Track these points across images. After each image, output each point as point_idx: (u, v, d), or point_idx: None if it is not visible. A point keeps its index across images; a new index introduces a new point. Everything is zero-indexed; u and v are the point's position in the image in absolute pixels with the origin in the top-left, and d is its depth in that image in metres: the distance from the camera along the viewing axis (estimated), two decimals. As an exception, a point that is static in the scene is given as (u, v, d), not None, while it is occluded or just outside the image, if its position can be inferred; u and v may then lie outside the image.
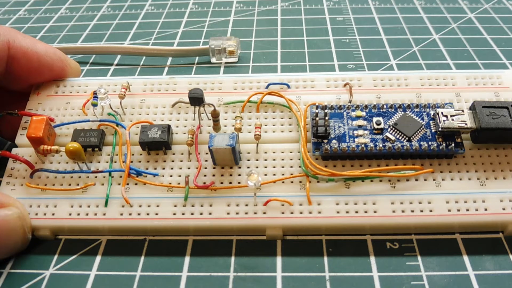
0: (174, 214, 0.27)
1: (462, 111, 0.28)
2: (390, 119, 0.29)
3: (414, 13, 0.51)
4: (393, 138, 0.28)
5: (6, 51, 0.30)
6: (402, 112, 0.29)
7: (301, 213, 0.27)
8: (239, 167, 0.29)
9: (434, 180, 0.28)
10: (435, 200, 0.27)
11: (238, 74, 0.39)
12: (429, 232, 0.27)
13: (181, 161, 0.30)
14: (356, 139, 0.28)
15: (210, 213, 0.27)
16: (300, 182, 0.28)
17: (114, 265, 0.27)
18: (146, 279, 0.26)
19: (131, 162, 0.30)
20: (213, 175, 0.29)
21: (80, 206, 0.28)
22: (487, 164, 0.28)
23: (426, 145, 0.27)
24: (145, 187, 0.29)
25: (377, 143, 0.28)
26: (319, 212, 0.27)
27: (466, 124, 0.27)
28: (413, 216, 0.26)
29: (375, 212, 0.27)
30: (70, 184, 0.29)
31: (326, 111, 0.29)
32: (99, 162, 0.30)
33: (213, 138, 0.28)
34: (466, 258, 0.26)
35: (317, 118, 0.28)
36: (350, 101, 0.31)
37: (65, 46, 0.45)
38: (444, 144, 0.27)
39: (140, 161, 0.30)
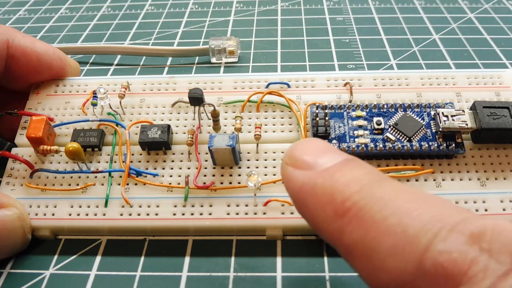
0: (174, 214, 0.27)
1: (463, 111, 0.28)
2: (391, 119, 0.29)
3: (414, 13, 0.51)
4: (393, 138, 0.28)
5: (5, 50, 0.30)
6: (403, 112, 0.29)
7: (301, 213, 0.27)
8: (239, 167, 0.29)
9: (434, 180, 0.28)
10: (435, 200, 0.27)
11: (238, 73, 0.39)
12: (429, 232, 0.27)
13: (181, 161, 0.30)
14: (356, 139, 0.28)
15: (210, 213, 0.27)
16: (300, 182, 0.28)
17: (114, 265, 0.27)
18: (146, 279, 0.26)
19: (131, 162, 0.30)
20: (213, 175, 0.29)
21: (80, 206, 0.28)
22: (488, 165, 0.28)
23: (427, 145, 0.27)
24: (145, 187, 0.29)
25: (377, 143, 0.28)
26: (319, 212, 0.27)
27: (466, 124, 0.27)
28: (413, 216, 0.26)
29: (375, 212, 0.27)
30: (70, 184, 0.29)
31: (326, 111, 0.29)
32: (99, 162, 0.30)
33: (213, 138, 0.28)
34: (466, 258, 0.26)
35: (317, 118, 0.28)
36: (350, 101, 0.31)
37: (65, 46, 0.45)
38: (445, 144, 0.27)
39: (140, 161, 0.30)
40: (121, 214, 0.28)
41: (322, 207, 0.18)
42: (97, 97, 0.31)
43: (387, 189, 0.17)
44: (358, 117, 0.29)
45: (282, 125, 0.31)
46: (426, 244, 0.15)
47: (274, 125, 0.31)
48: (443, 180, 0.28)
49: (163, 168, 0.29)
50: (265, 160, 0.29)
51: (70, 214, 0.28)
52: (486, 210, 0.26)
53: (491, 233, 0.14)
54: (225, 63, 0.43)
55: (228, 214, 0.27)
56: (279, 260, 0.27)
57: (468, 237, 0.14)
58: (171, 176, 0.29)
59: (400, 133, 0.28)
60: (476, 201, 0.27)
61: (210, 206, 0.28)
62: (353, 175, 0.18)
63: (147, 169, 0.29)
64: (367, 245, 0.16)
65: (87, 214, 0.28)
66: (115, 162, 0.30)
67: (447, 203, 0.17)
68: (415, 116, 0.29)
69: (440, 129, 0.28)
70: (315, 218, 0.18)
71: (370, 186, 0.17)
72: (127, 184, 0.29)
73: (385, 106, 0.29)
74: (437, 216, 0.15)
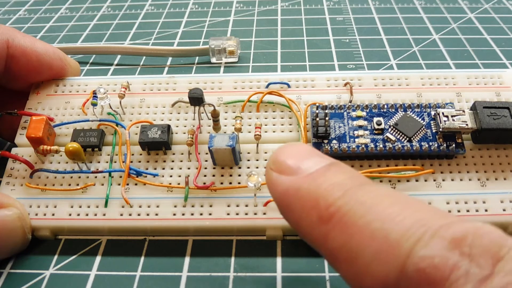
0: (174, 214, 0.27)
1: (463, 111, 0.28)
2: (391, 119, 0.29)
3: (414, 13, 0.51)
4: (393, 138, 0.28)
5: (5, 50, 0.30)
6: (403, 112, 0.29)
7: (301, 213, 0.27)
8: (239, 167, 0.29)
9: (434, 180, 0.28)
10: (435, 201, 0.27)
11: (238, 73, 0.39)
12: (429, 232, 0.27)
13: (181, 161, 0.30)
14: (356, 140, 0.28)
15: (210, 214, 0.27)
16: (300, 182, 0.28)
17: (114, 265, 0.27)
18: (146, 279, 0.26)
19: (131, 162, 0.30)
20: (213, 175, 0.29)
21: (80, 207, 0.28)
22: (488, 165, 0.28)
23: (427, 145, 0.27)
24: (145, 188, 0.29)
25: (377, 144, 0.28)
26: (320, 212, 0.27)
27: (467, 124, 0.27)
28: (413, 217, 0.26)
29: (375, 212, 0.27)
30: (70, 184, 0.29)
31: (326, 111, 0.29)
32: (99, 162, 0.30)
33: (213, 139, 0.28)
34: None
35: (317, 119, 0.28)
36: (350, 101, 0.31)
37: (65, 46, 0.45)
38: (445, 145, 0.27)
39: (140, 161, 0.30)
40: (121, 214, 0.28)
41: (306, 213, 0.18)
42: (97, 97, 0.31)
43: (370, 193, 0.18)
44: (358, 117, 0.29)
45: (282, 125, 0.31)
46: (409, 249, 0.15)
47: (274, 125, 0.31)
48: (443, 180, 0.28)
49: (163, 168, 0.29)
50: (265, 160, 0.29)
51: (70, 214, 0.28)
52: (486, 210, 0.26)
53: (472, 237, 0.15)
54: (225, 63, 0.43)
55: (228, 214, 0.27)
56: (279, 260, 0.27)
57: (449, 242, 0.15)
58: (171, 176, 0.29)
59: (400, 133, 0.28)
60: (476, 201, 0.27)
61: (210, 206, 0.28)
62: (336, 180, 0.18)
63: (147, 169, 0.29)
64: (352, 250, 0.16)
65: (87, 214, 0.28)
66: (115, 162, 0.30)
67: (430, 207, 0.17)
68: (415, 116, 0.29)
69: (440, 129, 0.27)
70: (300, 223, 0.19)
71: (353, 191, 0.18)
72: (127, 184, 0.29)
73: (385, 106, 0.29)
74: (420, 221, 0.16)
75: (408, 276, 0.15)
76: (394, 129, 0.28)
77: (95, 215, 0.28)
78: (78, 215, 0.28)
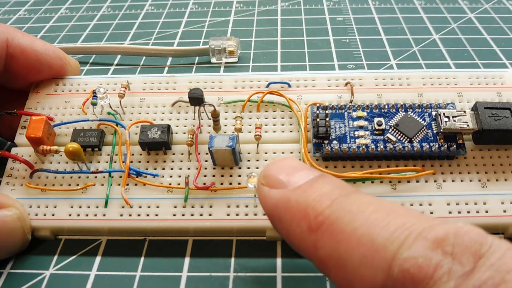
0: (174, 215, 0.27)
1: (464, 112, 0.28)
2: (391, 120, 0.29)
3: (414, 13, 0.51)
4: (394, 139, 0.28)
5: (4, 49, 0.30)
6: (404, 113, 0.29)
7: (301, 213, 0.27)
8: (239, 168, 0.29)
9: (435, 181, 0.28)
10: (436, 202, 0.27)
11: (239, 73, 0.39)
12: (430, 233, 0.27)
13: (181, 161, 0.29)
14: (357, 140, 0.28)
15: (210, 214, 0.27)
16: (301, 182, 0.28)
17: (114, 265, 0.27)
18: (146, 279, 0.26)
19: (131, 162, 0.29)
20: (213, 176, 0.29)
21: (80, 207, 0.28)
22: (489, 166, 0.28)
23: (428, 146, 0.27)
24: (145, 188, 0.29)
25: (378, 144, 0.28)
26: (320, 213, 0.27)
27: (468, 125, 0.27)
28: (414, 217, 0.26)
29: (376, 213, 0.26)
30: (70, 185, 0.29)
31: (327, 111, 0.29)
32: (98, 162, 0.30)
33: (213, 139, 0.27)
34: (467, 259, 0.26)
35: (318, 119, 0.28)
36: (351, 101, 0.31)
37: (65, 46, 0.45)
38: (446, 145, 0.27)
39: (140, 161, 0.30)
40: (121, 215, 0.28)
41: (296, 223, 0.19)
42: (96, 96, 0.31)
43: (357, 201, 0.18)
44: (359, 118, 0.29)
45: (283, 125, 0.31)
46: (393, 252, 0.16)
47: (274, 125, 0.31)
48: (444, 181, 0.28)
49: (163, 169, 0.29)
50: (266, 160, 0.29)
51: (70, 215, 0.28)
52: (486, 211, 0.26)
53: (453, 237, 0.15)
54: (225, 63, 0.43)
55: (228, 215, 0.27)
56: (279, 260, 0.26)
57: (432, 243, 0.15)
58: (171, 176, 0.29)
59: (401, 134, 0.28)
60: (477, 202, 0.27)
61: (210, 207, 0.27)
62: (324, 190, 0.19)
63: (147, 169, 0.29)
64: (340, 257, 0.17)
65: (87, 215, 0.28)
66: (115, 162, 0.30)
67: (414, 212, 0.18)
68: (416, 117, 0.29)
69: (441, 130, 0.27)
70: (291, 233, 0.20)
71: (340, 200, 0.19)
72: (127, 185, 0.29)
73: (386, 106, 0.29)
74: (404, 224, 0.16)
75: (394, 278, 0.15)
76: (394, 129, 0.28)
77: (95, 215, 0.28)
78: (78, 215, 0.28)
